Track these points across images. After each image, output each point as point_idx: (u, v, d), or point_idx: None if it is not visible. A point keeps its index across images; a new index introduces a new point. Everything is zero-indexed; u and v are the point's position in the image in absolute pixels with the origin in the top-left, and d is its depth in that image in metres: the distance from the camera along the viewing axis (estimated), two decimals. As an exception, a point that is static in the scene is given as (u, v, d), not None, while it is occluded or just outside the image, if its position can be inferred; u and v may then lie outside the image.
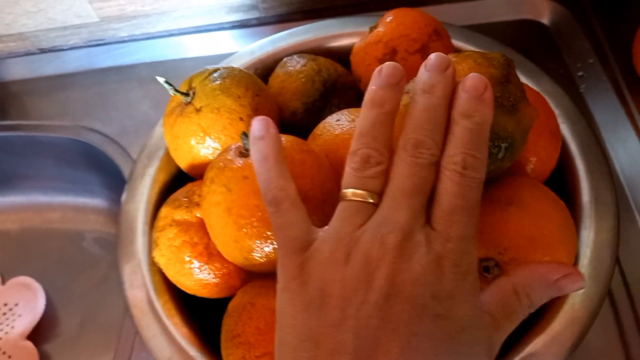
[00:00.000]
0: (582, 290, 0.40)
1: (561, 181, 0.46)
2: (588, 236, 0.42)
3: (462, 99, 0.31)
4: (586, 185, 0.44)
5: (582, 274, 0.34)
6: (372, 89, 0.33)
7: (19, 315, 0.68)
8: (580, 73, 0.65)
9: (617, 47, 0.65)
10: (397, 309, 0.28)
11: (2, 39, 0.75)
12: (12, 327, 0.67)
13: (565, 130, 0.47)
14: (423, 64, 0.33)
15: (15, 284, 0.71)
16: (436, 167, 0.31)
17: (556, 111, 0.46)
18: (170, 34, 0.76)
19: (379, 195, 0.31)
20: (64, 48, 0.77)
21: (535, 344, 0.39)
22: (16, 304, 0.69)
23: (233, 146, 0.39)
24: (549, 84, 0.50)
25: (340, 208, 0.32)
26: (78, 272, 0.73)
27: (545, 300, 0.33)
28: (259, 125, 0.34)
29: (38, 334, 0.67)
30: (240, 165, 0.37)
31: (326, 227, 0.32)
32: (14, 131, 0.72)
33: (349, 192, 0.31)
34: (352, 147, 0.32)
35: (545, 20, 0.70)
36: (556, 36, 0.68)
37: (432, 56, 0.33)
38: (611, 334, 0.49)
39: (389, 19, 0.47)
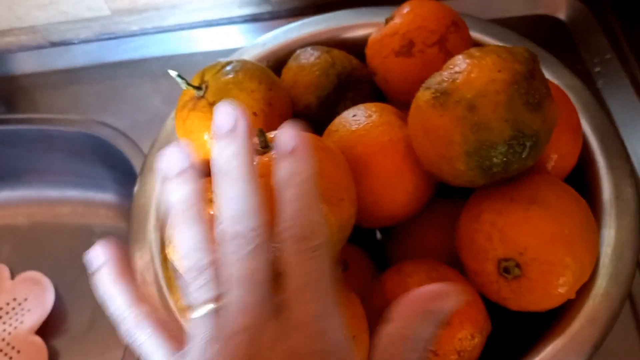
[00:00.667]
0: (602, 290, 0.39)
1: (581, 177, 0.45)
2: (609, 235, 0.41)
3: (276, 167, 0.29)
4: (607, 182, 0.44)
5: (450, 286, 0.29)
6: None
7: (28, 310, 0.68)
8: (597, 69, 0.64)
9: (635, 43, 0.64)
10: None
11: (13, 32, 0.75)
12: (21, 322, 0.67)
13: (585, 125, 0.46)
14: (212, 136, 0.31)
15: (24, 279, 0.71)
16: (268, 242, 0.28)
17: (576, 105, 0.45)
18: (182, 28, 0.75)
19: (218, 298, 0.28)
20: (75, 42, 0.77)
21: (555, 345, 0.38)
22: (25, 299, 0.69)
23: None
24: (568, 78, 0.49)
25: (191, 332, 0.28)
26: (87, 267, 0.72)
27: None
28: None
29: (47, 329, 0.67)
30: (255, 163, 0.36)
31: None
32: (25, 125, 0.72)
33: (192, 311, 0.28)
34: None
35: (561, 15, 0.69)
36: (573, 32, 0.67)
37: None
38: (631, 335, 0.48)
39: (405, 10, 0.46)
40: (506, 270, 0.36)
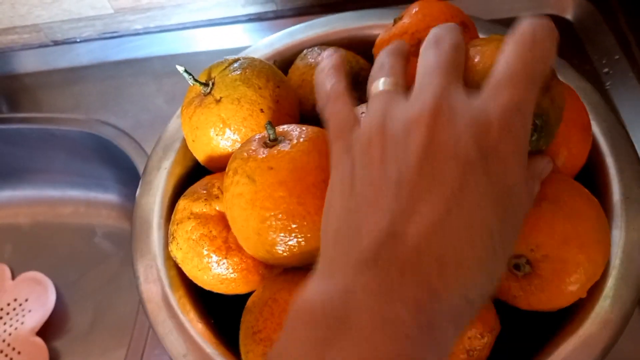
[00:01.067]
0: (613, 291, 0.38)
1: (591, 179, 0.44)
2: (619, 236, 0.40)
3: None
4: (617, 183, 0.43)
5: None
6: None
7: (29, 311, 0.67)
8: (605, 69, 0.63)
9: (643, 43, 0.63)
10: (440, 166, 0.27)
11: (16, 30, 0.75)
12: (22, 323, 0.67)
13: (595, 126, 0.45)
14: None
15: (25, 279, 0.70)
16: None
17: (586, 107, 0.45)
18: (185, 27, 0.75)
19: (406, 87, 0.32)
20: (78, 40, 0.77)
21: (566, 347, 0.38)
22: (26, 300, 0.68)
23: (257, 136, 0.38)
24: (577, 80, 0.48)
25: (372, 100, 0.32)
26: (89, 268, 0.72)
27: None
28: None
29: (48, 330, 0.67)
30: (264, 155, 0.36)
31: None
32: (27, 124, 0.72)
33: (378, 82, 0.32)
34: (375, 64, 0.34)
35: (569, 15, 0.68)
36: (580, 32, 0.67)
37: None
38: (641, 338, 0.47)
39: (414, 10, 0.46)
40: (516, 267, 0.35)
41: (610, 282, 0.39)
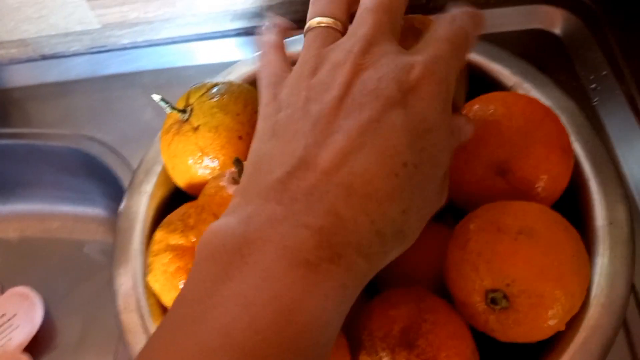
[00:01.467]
0: (594, 321, 0.38)
1: (573, 203, 0.44)
2: (601, 263, 0.40)
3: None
4: (600, 207, 0.43)
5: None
6: None
7: (17, 327, 0.67)
8: (593, 85, 0.63)
9: (632, 59, 0.63)
10: (359, 100, 0.27)
11: (3, 45, 0.74)
12: (10, 339, 0.66)
13: (578, 148, 0.45)
14: None
15: (13, 294, 0.70)
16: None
17: (569, 128, 0.44)
18: (173, 41, 0.74)
19: (344, 24, 0.32)
20: (66, 54, 0.76)
21: (546, 377, 0.37)
22: (14, 315, 0.68)
23: (228, 172, 0.38)
24: (561, 99, 0.48)
25: (307, 37, 0.32)
26: (78, 282, 0.71)
27: None
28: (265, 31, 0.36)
29: (36, 346, 0.66)
30: (231, 193, 0.35)
31: None
32: (14, 139, 0.71)
33: (314, 20, 0.32)
34: None
35: (557, 30, 0.68)
36: (568, 47, 0.66)
37: None
38: (625, 365, 0.47)
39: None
40: (493, 301, 0.35)
41: (592, 311, 0.38)
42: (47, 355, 0.67)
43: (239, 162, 0.35)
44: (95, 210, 0.75)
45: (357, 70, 0.28)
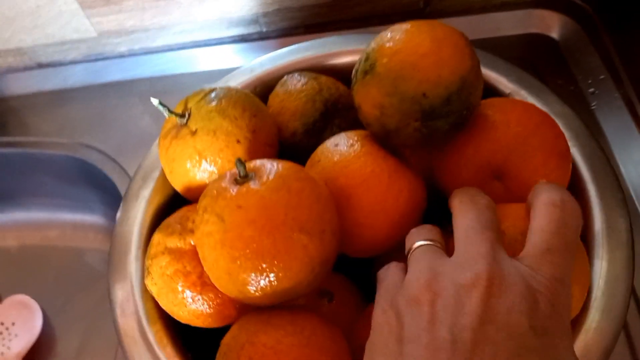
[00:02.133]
0: (595, 324, 0.38)
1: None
2: (601, 267, 0.40)
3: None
4: (599, 212, 0.43)
5: None
6: None
7: (16, 335, 0.67)
8: (591, 89, 0.63)
9: (629, 63, 0.63)
10: (493, 335, 0.27)
11: (0, 54, 0.74)
12: (8, 348, 0.66)
13: (576, 153, 0.45)
14: None
15: (12, 303, 0.70)
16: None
17: (566, 133, 0.44)
18: (170, 49, 0.74)
19: (443, 245, 0.32)
20: (63, 63, 0.76)
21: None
22: (13, 324, 0.68)
23: (228, 173, 0.37)
24: (558, 105, 0.48)
25: (412, 257, 0.32)
26: (77, 291, 0.71)
27: None
28: None
29: (35, 355, 0.66)
30: (234, 194, 0.35)
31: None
32: (13, 148, 0.71)
33: (415, 244, 0.33)
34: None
35: (554, 34, 0.68)
36: (566, 51, 0.66)
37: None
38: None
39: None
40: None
41: (592, 315, 0.39)
42: (46, 364, 0.66)
43: (240, 162, 0.35)
44: (94, 218, 0.75)
45: (486, 297, 0.28)
